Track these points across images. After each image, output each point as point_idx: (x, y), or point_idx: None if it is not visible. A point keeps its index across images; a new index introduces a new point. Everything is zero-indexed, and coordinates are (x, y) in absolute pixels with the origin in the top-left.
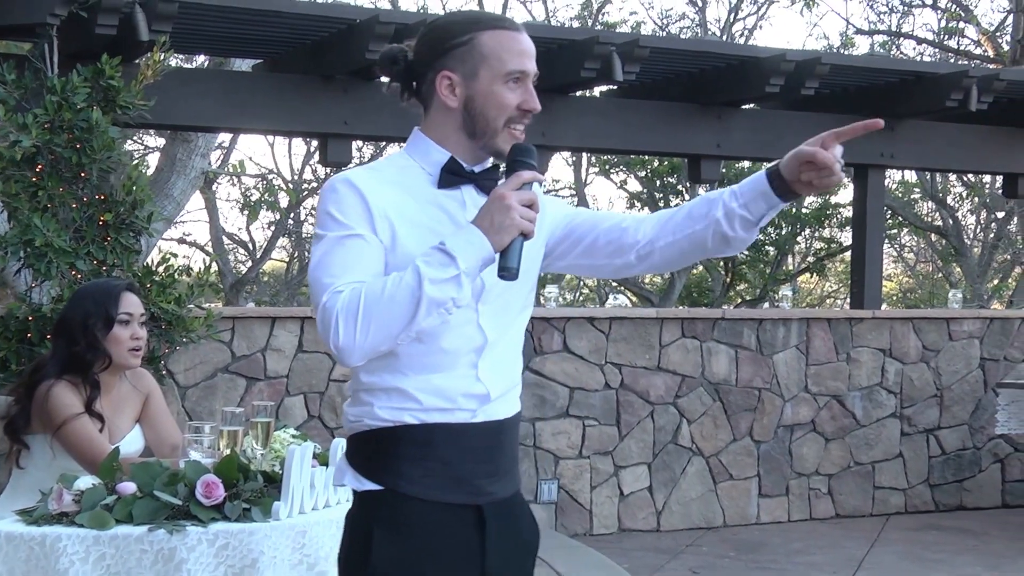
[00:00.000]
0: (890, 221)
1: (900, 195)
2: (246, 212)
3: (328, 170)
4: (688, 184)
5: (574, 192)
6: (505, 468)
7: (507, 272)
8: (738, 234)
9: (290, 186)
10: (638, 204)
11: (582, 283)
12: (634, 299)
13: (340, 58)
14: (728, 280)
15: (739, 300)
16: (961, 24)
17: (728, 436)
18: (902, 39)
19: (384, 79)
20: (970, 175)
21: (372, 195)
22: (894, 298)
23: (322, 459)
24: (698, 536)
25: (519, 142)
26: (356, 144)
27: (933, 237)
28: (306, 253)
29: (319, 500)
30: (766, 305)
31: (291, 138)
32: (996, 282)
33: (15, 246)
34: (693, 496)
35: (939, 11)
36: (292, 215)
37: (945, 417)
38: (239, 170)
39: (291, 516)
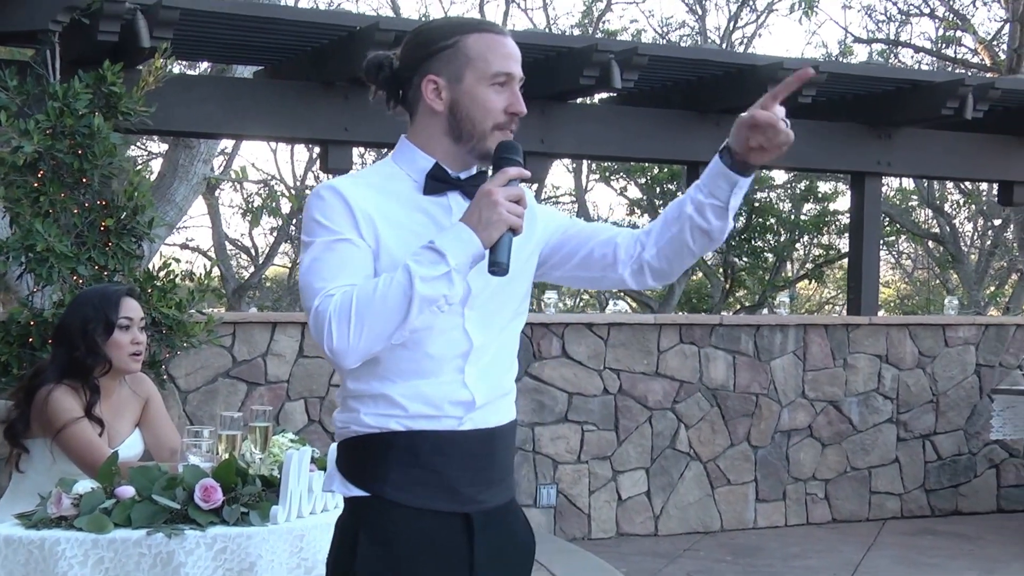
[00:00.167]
0: (888, 228)
1: (898, 202)
2: (248, 218)
3: (328, 176)
4: None
5: (575, 199)
6: (497, 477)
7: (497, 267)
8: (713, 223)
9: (292, 192)
10: (638, 211)
11: (582, 289)
12: (634, 305)
13: (341, 65)
14: (727, 286)
15: (738, 306)
16: (958, 33)
17: (726, 441)
18: (900, 48)
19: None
20: (967, 183)
21: (355, 200)
22: (892, 304)
23: (320, 463)
24: (696, 540)
25: (506, 139)
26: (359, 151)
27: (930, 244)
28: None
29: (317, 504)
30: (765, 311)
31: (292, 144)
32: (993, 289)
33: (17, 251)
34: (691, 501)
35: (937, 20)
36: (294, 221)
37: (941, 422)
38: (241, 176)
39: (289, 520)
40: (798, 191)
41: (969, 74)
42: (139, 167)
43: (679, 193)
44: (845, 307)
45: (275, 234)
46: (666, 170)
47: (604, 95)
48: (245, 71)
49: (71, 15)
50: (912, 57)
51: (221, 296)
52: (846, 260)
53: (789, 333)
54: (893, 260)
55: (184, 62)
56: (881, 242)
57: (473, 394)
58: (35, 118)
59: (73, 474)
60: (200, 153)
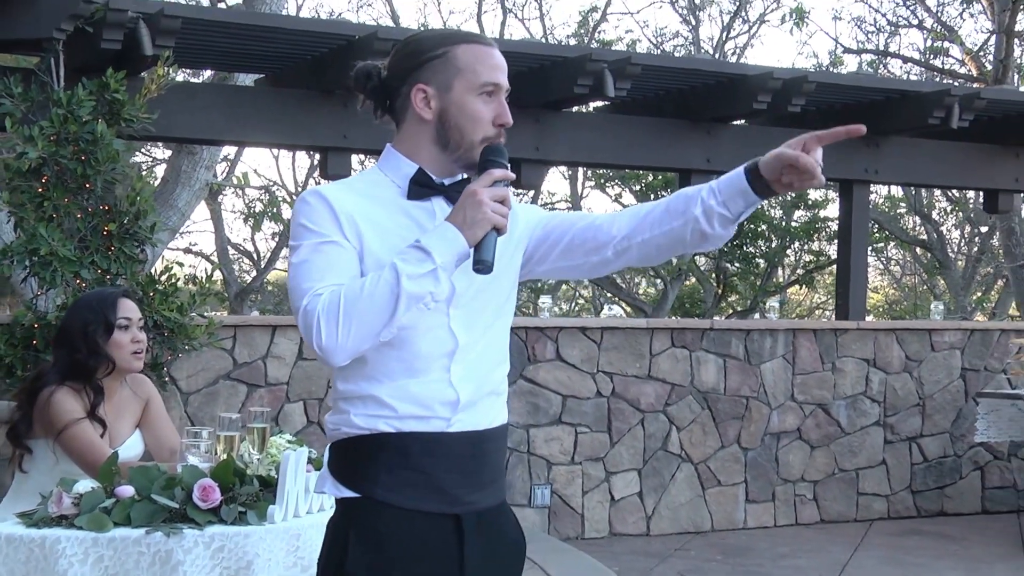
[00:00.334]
0: (877, 235)
1: (887, 209)
2: (250, 223)
3: (325, 183)
4: None
5: (570, 205)
6: (487, 479)
7: (482, 265)
8: (716, 231)
9: (293, 198)
10: None
11: (578, 293)
12: (628, 310)
13: (340, 73)
14: (720, 291)
15: (730, 311)
16: (946, 44)
17: (716, 443)
18: (889, 58)
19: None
20: (954, 190)
21: (339, 203)
22: (880, 310)
23: (317, 464)
24: (687, 540)
25: (492, 143)
26: (359, 157)
27: (918, 250)
28: None
29: (313, 504)
30: (756, 316)
31: (293, 151)
32: (979, 294)
33: (21, 255)
34: (682, 501)
35: (925, 31)
36: None
37: (927, 425)
38: (243, 182)
39: (286, 520)
40: (789, 198)
41: (956, 85)
42: (144, 173)
43: None
44: (834, 312)
45: (276, 239)
46: (660, 177)
47: (598, 103)
48: (246, 79)
49: (75, 23)
50: (901, 67)
51: (223, 300)
52: (836, 266)
53: (778, 337)
54: (882, 266)
55: (188, 70)
56: (870, 248)
57: (458, 392)
58: (39, 124)
59: (75, 474)
60: (202, 159)
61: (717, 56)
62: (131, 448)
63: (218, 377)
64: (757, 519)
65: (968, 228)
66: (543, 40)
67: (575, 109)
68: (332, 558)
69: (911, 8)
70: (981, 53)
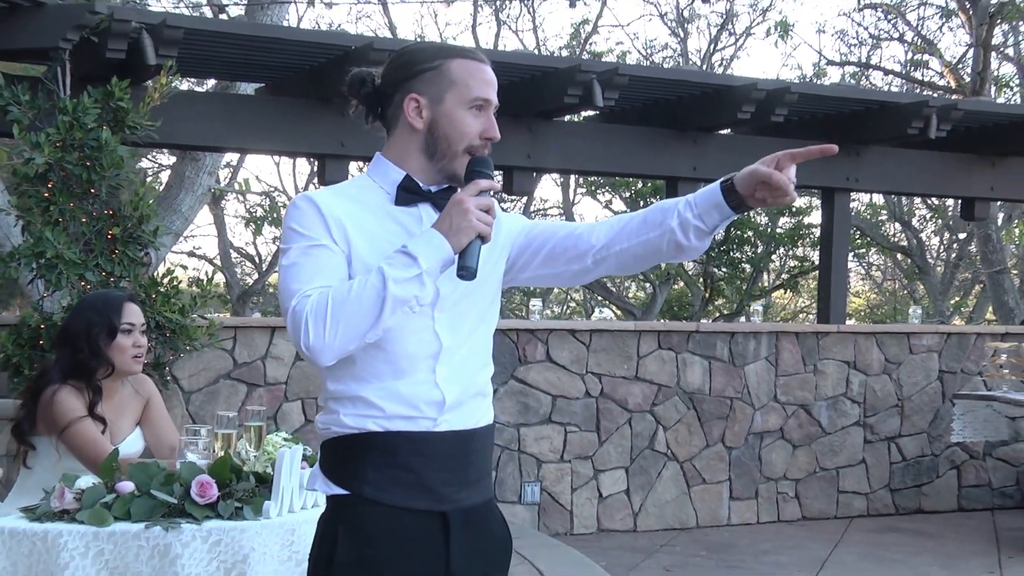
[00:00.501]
0: (859, 241)
1: (868, 216)
2: (251, 227)
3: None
4: None
5: (562, 211)
6: (474, 478)
7: (466, 271)
8: (692, 243)
9: None
10: None
11: (569, 297)
12: (618, 313)
13: (337, 83)
14: (707, 295)
15: (717, 314)
16: (926, 57)
17: (701, 442)
18: (871, 70)
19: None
20: (933, 198)
21: (328, 208)
22: (862, 314)
23: (312, 461)
24: (672, 536)
25: (479, 155)
26: (357, 164)
27: (899, 256)
28: None
29: (308, 500)
30: (742, 319)
31: (294, 158)
32: (957, 299)
33: (28, 258)
34: (668, 499)
35: (905, 44)
36: None
37: (905, 426)
38: (244, 188)
39: (281, 515)
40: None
41: (934, 96)
42: (149, 179)
43: None
44: (816, 315)
45: (277, 243)
46: (649, 184)
47: (588, 113)
48: (247, 88)
49: (80, 33)
50: (882, 79)
51: (226, 302)
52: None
53: (762, 340)
54: (863, 271)
55: (192, 79)
56: (852, 254)
57: (444, 393)
58: (46, 131)
59: (77, 470)
60: (205, 166)
61: (705, 68)
62: (131, 445)
63: (219, 377)
64: (740, 516)
65: (947, 235)
66: (536, 52)
67: (566, 118)
68: (322, 553)
69: (892, 22)
70: (960, 66)
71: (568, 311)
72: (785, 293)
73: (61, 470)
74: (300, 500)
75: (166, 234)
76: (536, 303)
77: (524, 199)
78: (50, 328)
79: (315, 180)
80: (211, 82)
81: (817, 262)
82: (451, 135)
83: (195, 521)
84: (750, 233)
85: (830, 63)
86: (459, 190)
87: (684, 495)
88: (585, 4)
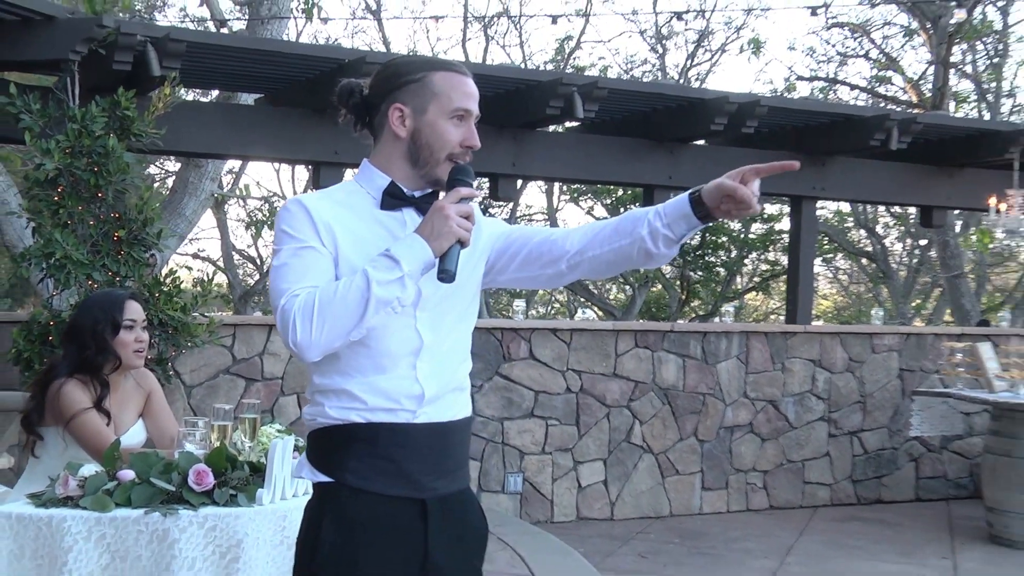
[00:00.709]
0: (827, 246)
1: (836, 223)
2: (251, 231)
3: None
4: None
5: (547, 217)
6: (451, 467)
7: (445, 274)
8: (660, 251)
9: None
10: None
11: (554, 298)
12: (600, 313)
13: (332, 94)
14: (683, 297)
15: (693, 315)
16: (889, 73)
17: (675, 436)
18: (838, 85)
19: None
20: (896, 207)
21: (317, 212)
22: (830, 315)
23: (303, 451)
24: (647, 524)
25: (461, 164)
26: (352, 171)
27: (864, 261)
28: None
29: (299, 488)
30: (717, 320)
31: (293, 165)
32: (919, 302)
33: (38, 258)
34: (643, 489)
35: (871, 61)
36: None
37: (867, 421)
38: (244, 193)
39: (273, 502)
40: None
41: (897, 110)
42: (156, 184)
43: None
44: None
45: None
46: (629, 192)
47: (570, 124)
48: (248, 98)
49: (89, 46)
50: (849, 94)
51: (228, 301)
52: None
53: (733, 339)
54: (831, 275)
55: (198, 90)
56: (820, 259)
57: (424, 388)
58: (56, 138)
59: (82, 459)
60: (208, 172)
61: (682, 82)
62: (134, 436)
63: (218, 372)
64: (712, 505)
65: (909, 241)
66: (523, 66)
67: (550, 129)
68: (308, 537)
69: (858, 40)
70: (921, 82)
71: (553, 312)
72: (757, 295)
73: (67, 459)
74: (292, 488)
75: (170, 236)
76: (520, 304)
77: (510, 205)
78: (59, 325)
79: (311, 186)
80: (215, 92)
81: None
82: (433, 143)
83: (192, 507)
84: (724, 238)
85: (800, 78)
86: (441, 196)
87: (659, 485)
88: (569, 21)
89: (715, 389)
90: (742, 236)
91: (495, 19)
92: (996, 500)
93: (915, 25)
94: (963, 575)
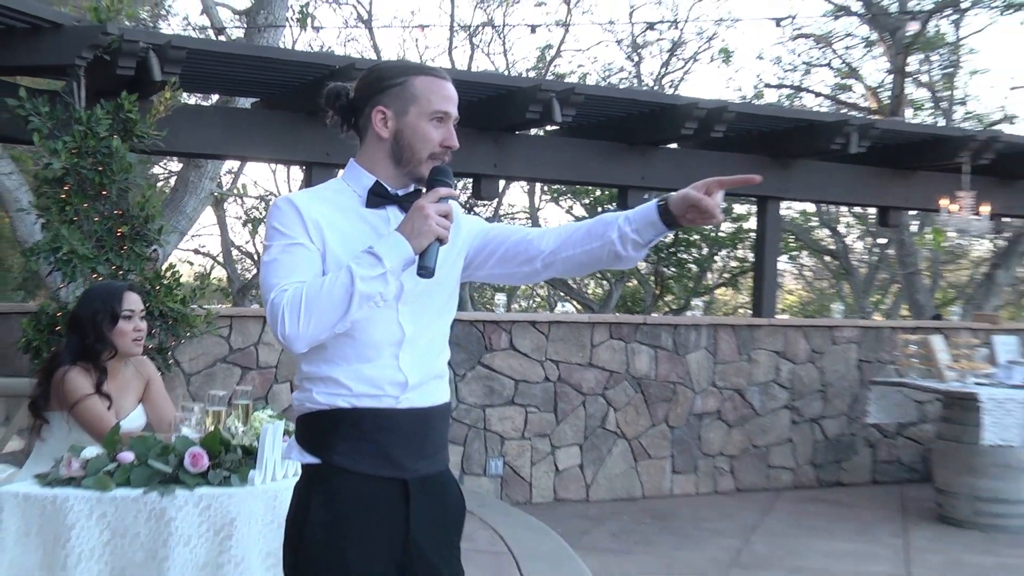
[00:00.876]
0: (792, 244)
1: (801, 223)
2: (248, 227)
3: None
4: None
5: (528, 216)
6: (431, 450)
7: (425, 271)
8: (629, 254)
9: None
10: None
11: (535, 292)
12: (578, 307)
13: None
14: (657, 292)
15: (666, 309)
16: (850, 81)
17: (648, 422)
18: (803, 93)
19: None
20: (856, 207)
21: (306, 209)
22: (795, 309)
23: (292, 435)
24: (620, 506)
25: (439, 164)
26: (340, 172)
27: (827, 258)
28: None
29: (289, 470)
30: (689, 313)
31: (288, 166)
32: (878, 297)
33: (46, 252)
34: (617, 472)
35: (833, 70)
36: None
37: (828, 408)
38: (241, 192)
39: (265, 483)
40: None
41: (856, 116)
42: (159, 184)
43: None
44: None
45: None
46: (606, 192)
47: (549, 127)
48: (245, 102)
49: (94, 52)
50: (814, 100)
51: (227, 294)
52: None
53: (702, 332)
54: (796, 272)
55: (198, 94)
56: (786, 256)
57: (406, 376)
58: (63, 140)
59: (85, 442)
60: (207, 172)
61: (657, 88)
62: (134, 420)
63: (216, 360)
64: (682, 488)
65: (869, 240)
66: (506, 73)
67: (531, 132)
68: (297, 515)
69: (822, 50)
70: (880, 89)
71: (534, 305)
72: (727, 290)
73: (71, 442)
74: (282, 470)
75: (171, 232)
76: (501, 298)
77: (494, 203)
78: (65, 315)
79: (304, 186)
80: (215, 96)
81: None
82: (415, 144)
83: (188, 488)
84: (696, 237)
85: (767, 86)
86: (422, 194)
87: (632, 469)
88: (549, 31)
89: (685, 378)
90: (713, 234)
91: (480, 29)
92: (946, 483)
93: (875, 37)
94: (914, 552)
